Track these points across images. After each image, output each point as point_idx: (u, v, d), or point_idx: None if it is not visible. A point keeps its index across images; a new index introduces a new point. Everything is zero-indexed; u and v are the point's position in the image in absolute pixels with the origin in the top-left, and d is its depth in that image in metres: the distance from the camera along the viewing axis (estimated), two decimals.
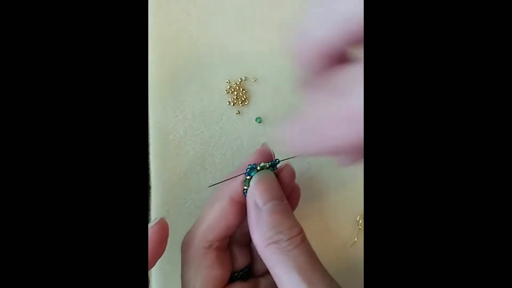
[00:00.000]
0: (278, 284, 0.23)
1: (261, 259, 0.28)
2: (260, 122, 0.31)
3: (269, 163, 0.26)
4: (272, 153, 0.26)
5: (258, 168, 0.25)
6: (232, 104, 0.31)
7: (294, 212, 0.28)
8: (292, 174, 0.28)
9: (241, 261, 0.28)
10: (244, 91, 0.31)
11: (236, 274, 0.27)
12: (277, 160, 0.26)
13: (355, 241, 0.33)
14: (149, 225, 0.24)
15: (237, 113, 0.31)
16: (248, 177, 0.25)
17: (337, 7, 0.16)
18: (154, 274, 0.31)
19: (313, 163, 0.33)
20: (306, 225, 0.33)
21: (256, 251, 0.28)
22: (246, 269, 0.28)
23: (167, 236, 0.24)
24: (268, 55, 0.31)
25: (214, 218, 0.25)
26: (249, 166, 0.25)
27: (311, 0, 0.17)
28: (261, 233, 0.23)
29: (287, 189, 0.27)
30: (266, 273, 0.29)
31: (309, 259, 0.23)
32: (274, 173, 0.26)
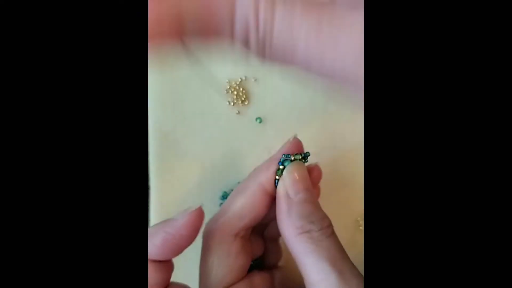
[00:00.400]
0: (306, 273, 0.23)
1: (273, 252, 0.29)
2: (260, 122, 0.31)
3: (302, 155, 0.26)
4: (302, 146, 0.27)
5: (292, 158, 0.25)
6: (232, 104, 0.31)
7: None
8: (320, 174, 0.28)
9: (256, 250, 0.28)
10: (244, 91, 0.31)
11: (252, 263, 0.27)
12: (307, 153, 0.26)
13: (355, 241, 0.33)
14: (187, 211, 0.24)
15: (237, 113, 0.31)
16: (281, 167, 0.25)
17: None
18: None
19: (313, 163, 0.33)
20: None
21: (270, 241, 0.28)
22: (259, 258, 0.28)
23: (200, 225, 0.24)
24: None
25: (245, 207, 0.25)
26: (283, 156, 0.25)
27: None
28: (292, 222, 0.23)
29: (315, 188, 0.28)
30: (277, 265, 0.29)
31: (339, 250, 0.23)
32: None
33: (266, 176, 0.25)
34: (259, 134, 0.32)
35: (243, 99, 0.31)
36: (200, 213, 0.24)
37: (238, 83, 0.31)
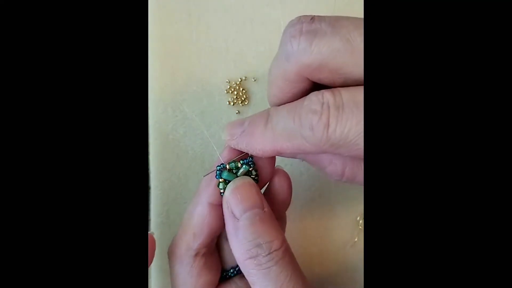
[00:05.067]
0: None
1: None
2: None
3: (241, 162, 0.24)
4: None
5: (227, 167, 0.23)
6: (232, 104, 0.31)
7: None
8: (287, 180, 0.25)
9: (231, 259, 0.27)
10: (244, 91, 0.31)
11: (229, 273, 0.27)
12: (250, 159, 0.24)
13: (355, 241, 0.33)
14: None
15: (237, 113, 0.31)
16: (221, 180, 0.23)
17: None
18: (154, 275, 0.31)
19: None
20: (306, 225, 0.33)
21: None
22: (238, 266, 0.27)
23: (153, 249, 0.24)
24: (268, 55, 0.31)
25: (197, 225, 0.24)
26: (218, 167, 0.23)
27: None
28: (240, 245, 0.22)
29: (283, 202, 0.25)
30: None
31: (291, 275, 0.21)
32: (257, 181, 0.24)
33: (208, 192, 0.24)
34: None
35: (243, 99, 0.31)
36: (150, 240, 0.24)
37: (238, 83, 0.31)
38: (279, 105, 0.22)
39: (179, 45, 0.31)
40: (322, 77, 0.19)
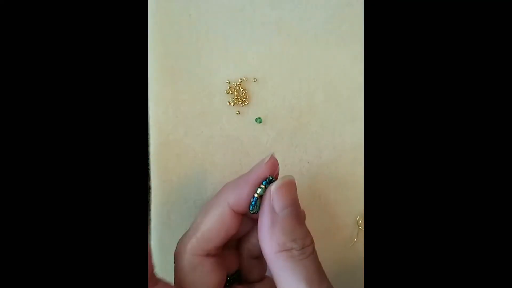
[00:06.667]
0: None
1: (256, 266, 0.28)
2: (260, 122, 0.31)
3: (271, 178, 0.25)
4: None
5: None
6: (232, 104, 0.31)
7: None
8: (294, 186, 0.27)
9: (231, 264, 0.27)
10: (244, 91, 0.31)
11: (228, 278, 0.27)
12: (271, 178, 0.25)
13: (355, 241, 0.33)
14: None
15: (237, 113, 0.31)
16: (262, 186, 0.24)
17: None
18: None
19: (313, 163, 0.33)
20: (306, 225, 0.33)
21: (247, 257, 0.28)
22: (237, 272, 0.28)
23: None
24: (268, 55, 0.31)
25: (213, 227, 0.25)
26: (267, 180, 0.25)
27: None
28: (275, 238, 0.23)
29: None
30: (259, 279, 0.28)
31: (318, 270, 0.23)
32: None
33: (237, 197, 0.24)
34: (259, 134, 0.32)
35: (243, 99, 0.31)
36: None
37: (238, 83, 0.31)
38: None
39: (179, 45, 0.31)
40: None
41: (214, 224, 0.25)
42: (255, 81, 0.31)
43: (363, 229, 0.33)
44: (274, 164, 0.25)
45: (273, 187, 0.24)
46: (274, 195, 0.24)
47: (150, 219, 0.31)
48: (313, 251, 0.24)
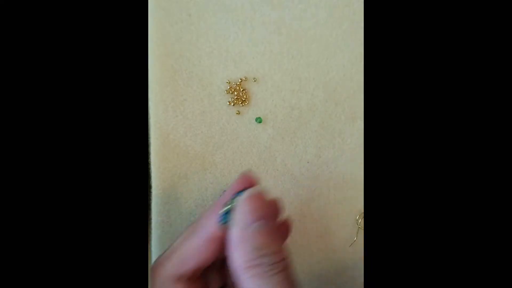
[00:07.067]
0: None
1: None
2: (260, 122, 0.31)
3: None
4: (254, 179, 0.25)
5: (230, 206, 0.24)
6: (232, 104, 0.31)
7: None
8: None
9: (213, 285, 0.27)
10: (244, 91, 0.31)
11: None
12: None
13: (355, 240, 0.34)
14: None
15: (237, 113, 0.31)
16: (233, 199, 0.24)
17: None
18: None
19: (313, 163, 0.33)
20: (306, 225, 0.33)
21: (231, 275, 0.27)
22: None
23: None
24: (268, 55, 0.31)
25: (190, 252, 0.24)
26: (239, 193, 0.24)
27: None
28: (244, 253, 0.22)
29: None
30: None
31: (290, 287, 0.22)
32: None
33: (213, 221, 0.24)
34: (259, 134, 0.32)
35: (243, 99, 0.31)
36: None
37: (238, 83, 0.31)
38: None
39: (179, 45, 0.31)
40: None
41: (192, 247, 0.24)
42: (255, 81, 0.32)
43: (363, 228, 0.33)
44: (245, 178, 0.25)
45: (239, 200, 0.23)
46: (243, 207, 0.23)
47: (150, 219, 0.31)
48: (285, 268, 0.22)
